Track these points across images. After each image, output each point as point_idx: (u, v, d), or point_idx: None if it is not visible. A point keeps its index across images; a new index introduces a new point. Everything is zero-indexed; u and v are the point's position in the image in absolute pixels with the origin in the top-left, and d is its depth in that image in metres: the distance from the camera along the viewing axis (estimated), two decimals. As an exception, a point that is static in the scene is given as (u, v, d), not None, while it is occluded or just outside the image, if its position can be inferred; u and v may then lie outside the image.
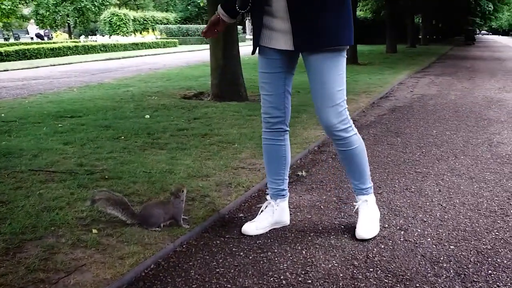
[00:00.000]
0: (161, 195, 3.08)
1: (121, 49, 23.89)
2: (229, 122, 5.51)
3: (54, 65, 15.35)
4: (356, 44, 14.72)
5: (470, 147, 4.55)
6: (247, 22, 43.33)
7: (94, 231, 2.55)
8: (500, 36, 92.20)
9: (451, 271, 2.21)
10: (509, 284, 2.09)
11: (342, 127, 2.44)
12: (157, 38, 31.72)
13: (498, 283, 2.10)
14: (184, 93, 8.14)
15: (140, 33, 35.16)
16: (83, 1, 34.93)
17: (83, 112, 6.15)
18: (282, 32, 2.39)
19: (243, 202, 3.12)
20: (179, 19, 42.99)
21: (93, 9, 35.91)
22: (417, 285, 2.09)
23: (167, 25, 38.36)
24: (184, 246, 2.49)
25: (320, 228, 2.71)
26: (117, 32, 34.20)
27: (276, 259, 2.34)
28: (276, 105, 2.56)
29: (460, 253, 2.38)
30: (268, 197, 2.75)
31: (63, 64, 15.85)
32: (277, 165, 2.67)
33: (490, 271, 2.20)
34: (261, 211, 2.71)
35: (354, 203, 2.75)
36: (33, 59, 17.69)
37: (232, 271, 2.23)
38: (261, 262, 2.32)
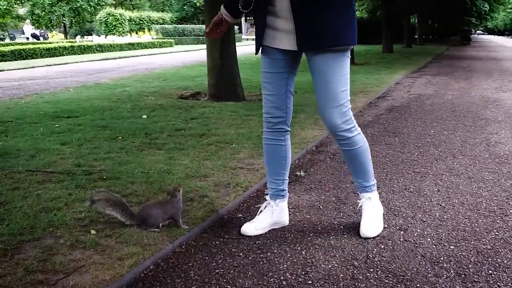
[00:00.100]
0: (160, 196, 3.06)
1: (117, 49, 23.85)
2: (227, 122, 5.50)
3: (50, 65, 15.31)
4: (353, 44, 14.68)
5: (468, 147, 4.56)
6: (243, 22, 43.35)
7: (93, 232, 2.54)
8: (495, 36, 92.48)
9: (452, 271, 2.20)
10: (510, 284, 2.09)
11: (346, 127, 2.45)
12: (153, 38, 31.69)
13: (499, 283, 2.09)
14: (181, 93, 8.12)
15: (136, 33, 35.09)
16: (78, 1, 34.79)
17: (80, 112, 6.13)
18: (286, 32, 2.38)
19: (242, 202, 3.11)
20: (175, 19, 42.94)
21: (89, 9, 35.75)
22: (418, 285, 2.08)
23: (163, 25, 38.33)
24: (183, 246, 2.47)
25: (320, 228, 2.70)
26: (113, 32, 34.13)
27: (276, 259, 2.34)
28: (278, 105, 2.55)
29: (460, 253, 2.38)
30: (267, 197, 2.74)
31: (59, 64, 15.81)
32: (277, 165, 2.66)
33: (490, 271, 2.20)
34: (260, 212, 2.70)
35: (358, 201, 2.74)
36: (29, 59, 17.64)
37: (232, 271, 2.22)
38: (261, 262, 2.31)
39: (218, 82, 7.22)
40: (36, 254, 2.29)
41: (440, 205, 3.03)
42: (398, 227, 2.69)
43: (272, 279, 2.15)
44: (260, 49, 2.51)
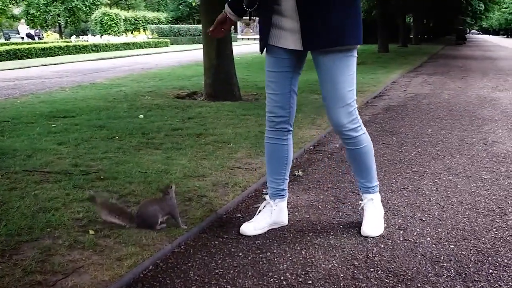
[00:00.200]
0: (157, 196, 3.04)
1: (112, 49, 23.79)
2: (224, 121, 5.49)
3: (45, 65, 15.24)
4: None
5: (465, 146, 4.56)
6: (238, 22, 43.29)
7: (91, 232, 2.52)
8: (490, 35, 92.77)
9: (452, 270, 2.20)
10: (510, 283, 2.09)
11: (352, 127, 2.46)
12: (148, 38, 31.60)
13: (499, 282, 2.09)
14: (177, 93, 8.10)
15: (131, 33, 35.00)
16: (74, 1, 34.73)
17: (76, 112, 6.10)
18: (291, 31, 2.37)
19: (240, 202, 3.10)
20: (171, 19, 42.91)
21: (84, 9, 35.72)
22: (419, 285, 2.08)
23: (158, 25, 38.27)
24: (182, 247, 2.46)
25: (319, 228, 2.70)
26: (108, 32, 34.05)
27: (275, 259, 2.33)
28: (282, 105, 2.54)
29: (460, 252, 2.38)
30: (266, 197, 2.73)
31: (55, 64, 15.73)
32: (278, 165, 2.65)
33: (491, 270, 2.19)
34: (259, 211, 2.69)
35: (360, 202, 2.74)
36: (24, 59, 17.57)
37: (231, 272, 2.21)
38: (261, 262, 2.30)
39: (215, 82, 7.21)
40: (34, 255, 2.27)
41: (439, 204, 3.03)
42: (397, 227, 2.69)
43: (272, 279, 2.14)
44: (265, 48, 2.51)
